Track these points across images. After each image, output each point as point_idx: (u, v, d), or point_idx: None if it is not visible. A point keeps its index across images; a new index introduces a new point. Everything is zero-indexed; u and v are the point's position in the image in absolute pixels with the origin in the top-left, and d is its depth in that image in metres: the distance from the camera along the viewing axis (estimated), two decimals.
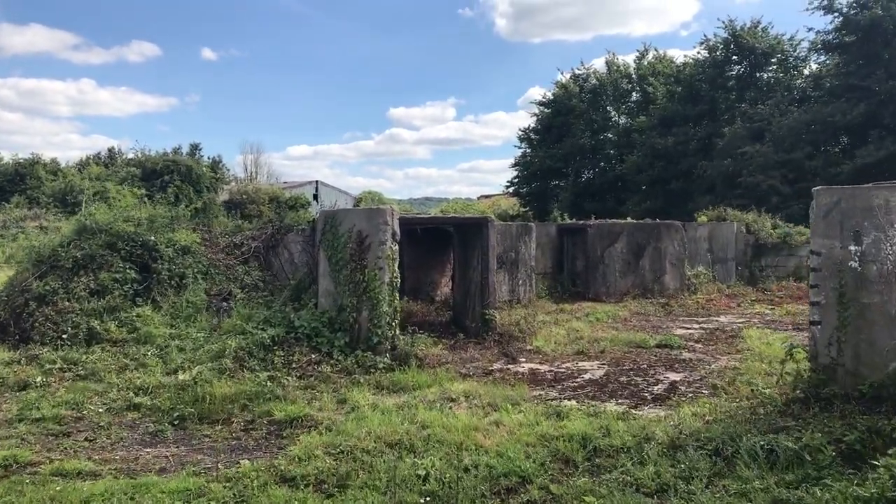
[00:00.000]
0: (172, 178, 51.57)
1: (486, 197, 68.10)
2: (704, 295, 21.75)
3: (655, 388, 10.46)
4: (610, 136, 51.87)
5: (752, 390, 8.96)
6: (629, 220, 23.15)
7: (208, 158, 67.19)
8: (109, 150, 73.44)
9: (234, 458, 7.47)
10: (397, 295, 11.68)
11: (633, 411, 8.87)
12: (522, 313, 17.80)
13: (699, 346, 14.07)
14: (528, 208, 50.74)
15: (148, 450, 7.72)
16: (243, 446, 7.90)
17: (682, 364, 12.21)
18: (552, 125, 52.01)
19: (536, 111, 53.92)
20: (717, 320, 17.85)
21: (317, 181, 63.83)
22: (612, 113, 52.56)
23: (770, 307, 20.29)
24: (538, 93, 49.21)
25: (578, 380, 11.02)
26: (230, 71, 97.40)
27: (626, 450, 7.18)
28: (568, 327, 15.67)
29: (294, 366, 10.35)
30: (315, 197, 62.20)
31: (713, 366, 11.96)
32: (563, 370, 11.74)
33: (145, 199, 16.61)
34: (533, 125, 54.43)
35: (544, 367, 11.96)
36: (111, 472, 6.91)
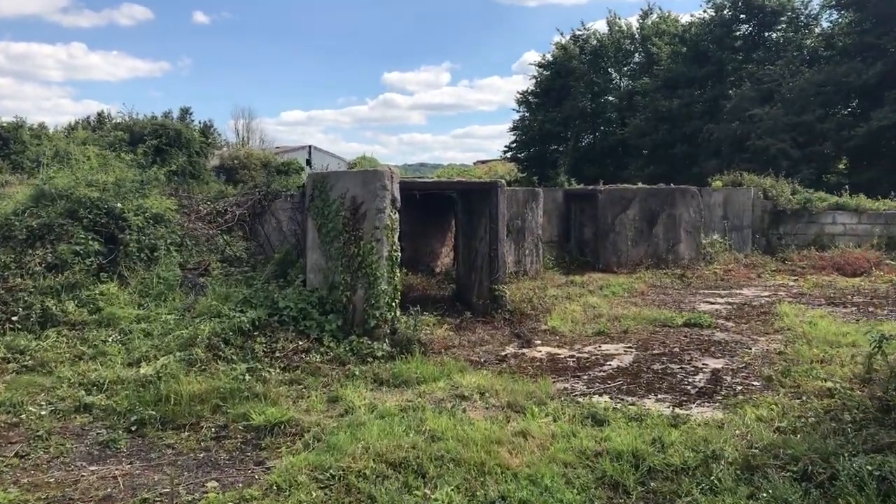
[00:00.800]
0: (161, 142, 50.42)
1: (483, 162, 66.28)
2: (721, 265, 20.26)
3: (696, 378, 8.98)
4: (611, 98, 49.97)
5: (830, 389, 7.44)
6: (640, 185, 21.57)
7: (199, 123, 65.25)
8: (99, 114, 71.09)
9: (201, 477, 5.98)
10: (398, 270, 10.08)
11: (680, 411, 7.38)
12: (531, 286, 16.28)
13: (730, 324, 12.60)
14: (526, 174, 48.99)
15: (93, 468, 6.20)
16: (213, 460, 6.40)
17: (718, 347, 10.73)
18: (551, 88, 50.01)
19: (535, 73, 51.92)
20: (740, 293, 16.38)
21: (310, 146, 61.83)
22: (614, 75, 50.57)
23: (793, 278, 18.83)
24: (534, 57, 47.31)
25: (606, 368, 9.52)
26: (223, 35, 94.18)
27: (688, 471, 5.69)
28: (583, 303, 14.17)
29: (278, 355, 8.77)
30: (308, 162, 60.19)
31: (753, 349, 10.49)
32: (585, 355, 10.25)
33: (122, 161, 14.78)
34: (532, 88, 52.43)
35: (564, 352, 10.46)
36: (39, 503, 5.39)
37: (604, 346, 10.79)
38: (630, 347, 10.71)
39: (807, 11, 40.26)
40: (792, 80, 35.96)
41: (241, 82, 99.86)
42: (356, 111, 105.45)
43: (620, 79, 50.49)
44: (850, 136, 32.68)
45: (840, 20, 38.06)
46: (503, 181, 12.60)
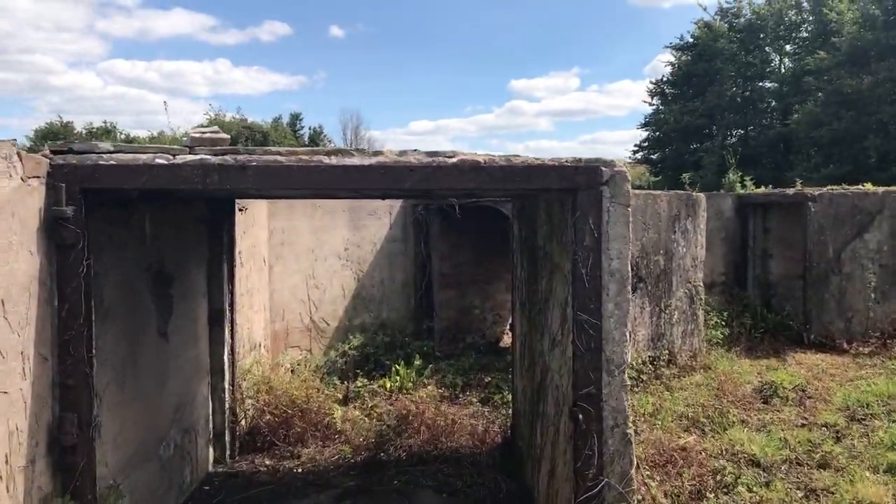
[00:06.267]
0: (247, 145, 44.83)
1: None
2: None
3: None
4: (769, 84, 38.74)
5: None
6: (889, 188, 11.61)
7: (309, 129, 59.52)
8: (211, 122, 67.40)
9: None
10: None
11: None
12: (683, 406, 7.02)
13: None
14: (660, 177, 38.77)
15: None
16: None
17: None
18: (692, 74, 39.34)
19: (672, 58, 41.36)
20: None
21: (414, 151, 53.97)
22: (773, 55, 39.25)
23: None
24: (667, 59, 38.03)
25: None
26: (356, 48, 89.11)
27: None
28: None
29: None
30: None
31: None
32: None
33: None
34: (667, 76, 41.95)
35: None
36: None
37: None
38: None
39: None
40: None
41: (372, 93, 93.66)
42: (482, 119, 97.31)
43: (781, 59, 39.11)
44: None
45: None
46: (619, 163, 3.63)
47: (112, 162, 3.39)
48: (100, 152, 3.43)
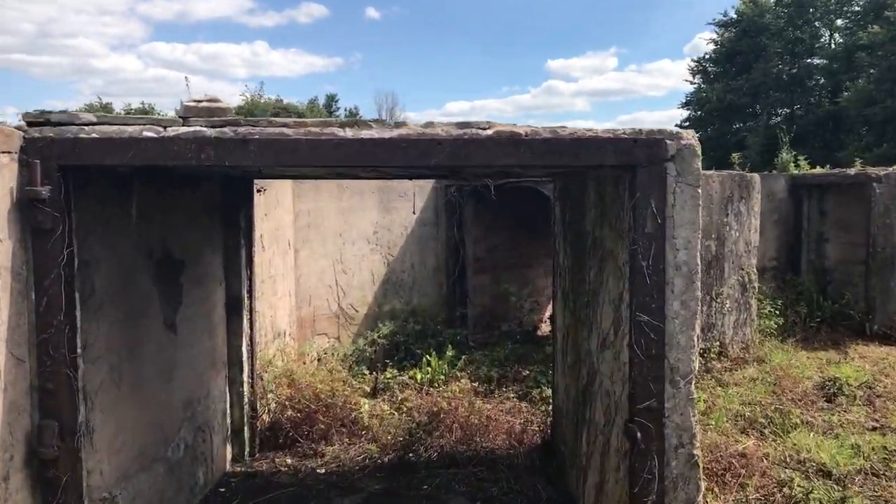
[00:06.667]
0: None
1: None
2: None
3: None
4: (818, 61, 37.18)
5: None
6: None
7: (345, 111, 59.35)
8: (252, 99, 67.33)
9: None
10: None
11: None
12: (740, 407, 6.42)
13: None
14: (702, 158, 37.44)
15: None
16: None
17: None
18: (736, 51, 37.98)
19: (715, 35, 39.93)
20: None
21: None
22: (823, 31, 37.65)
23: None
24: (710, 36, 36.61)
25: None
26: (392, 29, 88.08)
27: None
28: None
29: None
30: None
31: None
32: None
33: None
34: (710, 54, 40.56)
35: None
36: None
37: None
38: None
39: None
40: None
41: (408, 74, 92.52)
42: (519, 100, 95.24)
43: (832, 34, 37.48)
44: None
45: None
46: (687, 135, 3.06)
47: (94, 135, 2.92)
48: (80, 124, 2.95)
